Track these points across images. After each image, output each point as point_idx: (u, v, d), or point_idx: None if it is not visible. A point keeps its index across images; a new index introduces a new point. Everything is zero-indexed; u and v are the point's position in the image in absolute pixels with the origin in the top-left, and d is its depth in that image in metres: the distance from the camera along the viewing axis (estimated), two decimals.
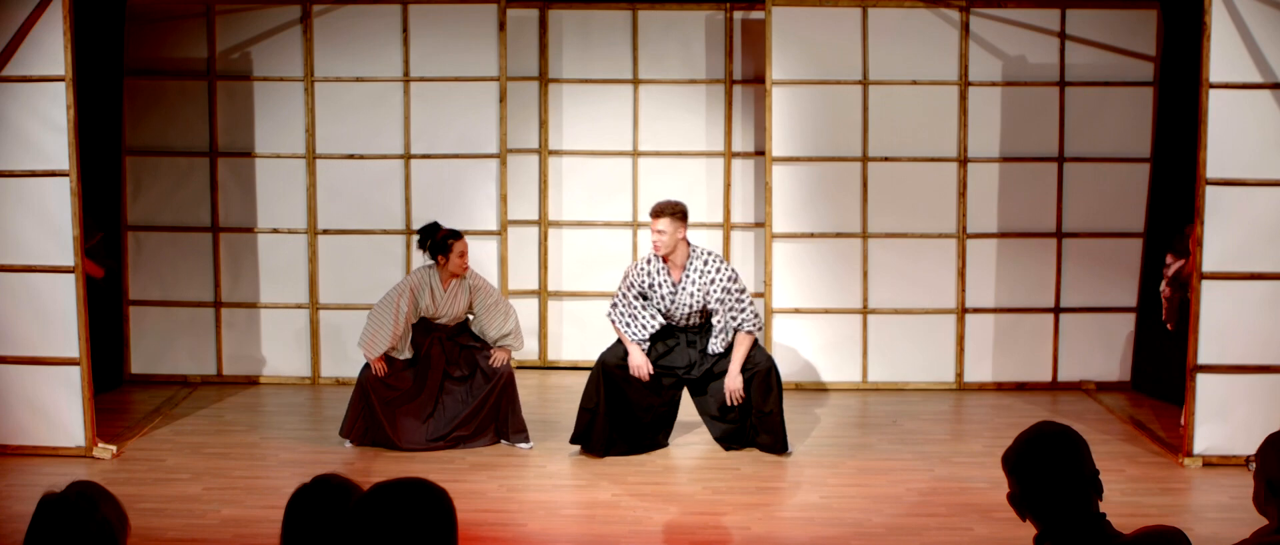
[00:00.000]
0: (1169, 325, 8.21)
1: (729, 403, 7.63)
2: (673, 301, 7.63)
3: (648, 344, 7.67)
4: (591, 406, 7.63)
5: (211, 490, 7.08)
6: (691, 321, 7.71)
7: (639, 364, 7.62)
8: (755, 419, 7.68)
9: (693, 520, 6.68)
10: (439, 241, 7.82)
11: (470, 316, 8.02)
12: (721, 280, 7.56)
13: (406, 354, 7.85)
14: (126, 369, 9.57)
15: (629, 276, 7.71)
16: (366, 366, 7.87)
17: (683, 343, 7.74)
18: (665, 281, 7.63)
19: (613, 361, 7.68)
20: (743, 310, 7.55)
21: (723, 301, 7.56)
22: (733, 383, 7.56)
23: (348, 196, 9.46)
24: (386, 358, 7.83)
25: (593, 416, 7.63)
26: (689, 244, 7.61)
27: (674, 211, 7.51)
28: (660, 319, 7.69)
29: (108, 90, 9.24)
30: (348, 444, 7.88)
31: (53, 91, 7.41)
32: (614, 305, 7.76)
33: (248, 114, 9.44)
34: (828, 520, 6.67)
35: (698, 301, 7.60)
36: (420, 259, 9.54)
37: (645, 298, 7.69)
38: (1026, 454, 3.12)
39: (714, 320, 7.65)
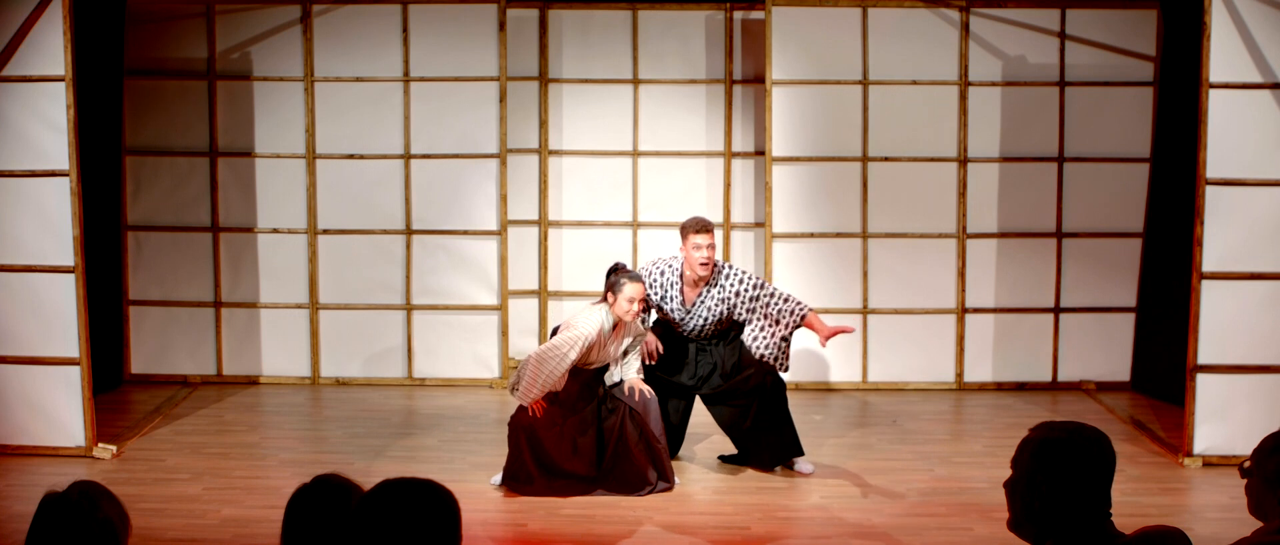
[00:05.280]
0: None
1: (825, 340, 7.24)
2: (684, 317, 7.36)
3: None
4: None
5: (211, 490, 7.08)
6: (705, 334, 7.41)
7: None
8: (761, 432, 7.36)
9: (693, 520, 6.68)
10: (613, 280, 6.92)
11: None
12: (746, 292, 7.27)
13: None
14: (126, 369, 9.57)
15: (649, 273, 7.37)
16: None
17: (692, 353, 7.44)
18: (676, 295, 7.34)
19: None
20: (785, 300, 7.23)
21: (753, 309, 7.27)
22: (835, 332, 7.20)
23: (348, 196, 9.46)
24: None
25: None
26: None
27: (714, 227, 7.30)
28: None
29: (108, 90, 9.23)
30: None
31: (53, 91, 7.41)
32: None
33: (248, 114, 9.44)
34: (828, 520, 6.67)
35: (716, 316, 7.32)
36: (420, 258, 9.55)
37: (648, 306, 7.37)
38: (1064, 453, 3.05)
39: (747, 329, 7.33)
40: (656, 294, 7.37)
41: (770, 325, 7.28)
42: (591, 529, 6.53)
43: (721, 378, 7.39)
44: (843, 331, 7.24)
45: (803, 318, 7.23)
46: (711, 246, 7.20)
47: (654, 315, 7.43)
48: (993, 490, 6.97)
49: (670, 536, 6.44)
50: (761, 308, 7.28)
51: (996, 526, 6.45)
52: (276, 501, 6.41)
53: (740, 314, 7.32)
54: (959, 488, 7.17)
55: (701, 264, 7.19)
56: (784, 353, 7.35)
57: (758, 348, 7.32)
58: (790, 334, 7.31)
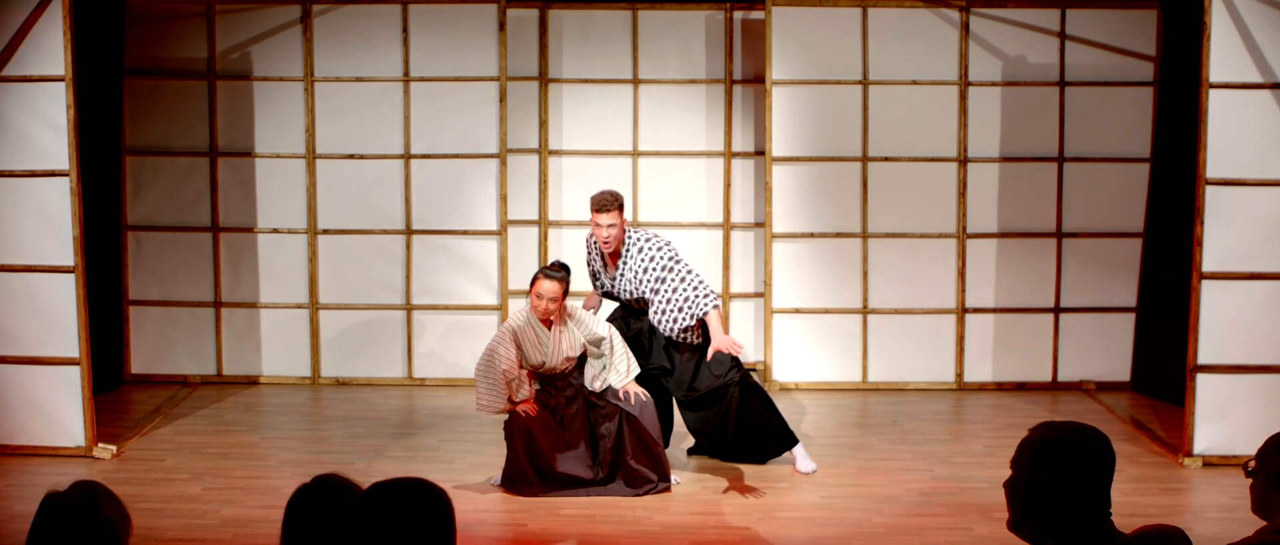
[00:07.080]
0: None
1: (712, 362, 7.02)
2: (611, 286, 7.36)
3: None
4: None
5: (211, 490, 7.08)
6: (639, 304, 7.27)
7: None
8: (743, 435, 7.31)
9: (693, 520, 6.68)
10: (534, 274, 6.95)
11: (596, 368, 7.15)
12: (653, 269, 7.08)
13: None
14: (126, 369, 9.57)
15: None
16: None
17: (646, 330, 7.28)
18: (601, 264, 7.39)
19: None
20: (694, 289, 7.00)
21: (658, 290, 7.06)
22: (718, 348, 6.90)
23: (348, 196, 9.47)
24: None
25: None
26: (624, 233, 7.19)
27: (619, 204, 7.09)
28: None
29: (108, 90, 9.24)
30: None
31: (53, 91, 7.41)
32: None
33: (248, 114, 9.44)
34: (828, 520, 6.67)
35: (636, 290, 7.19)
36: (420, 258, 9.56)
37: (596, 277, 7.46)
38: (1064, 453, 3.05)
39: (652, 309, 7.13)
40: (591, 261, 7.44)
41: (675, 311, 7.06)
42: (591, 529, 6.54)
43: (689, 384, 7.24)
44: (731, 348, 6.93)
45: (703, 313, 6.98)
46: (611, 226, 7.08)
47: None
48: (993, 490, 6.97)
49: (670, 536, 6.44)
50: (667, 288, 7.06)
51: (996, 526, 6.45)
52: (276, 501, 6.41)
53: (645, 289, 7.13)
54: (959, 488, 7.17)
55: (603, 242, 7.14)
56: (698, 337, 7.11)
57: (666, 331, 7.09)
58: (694, 325, 7.06)
